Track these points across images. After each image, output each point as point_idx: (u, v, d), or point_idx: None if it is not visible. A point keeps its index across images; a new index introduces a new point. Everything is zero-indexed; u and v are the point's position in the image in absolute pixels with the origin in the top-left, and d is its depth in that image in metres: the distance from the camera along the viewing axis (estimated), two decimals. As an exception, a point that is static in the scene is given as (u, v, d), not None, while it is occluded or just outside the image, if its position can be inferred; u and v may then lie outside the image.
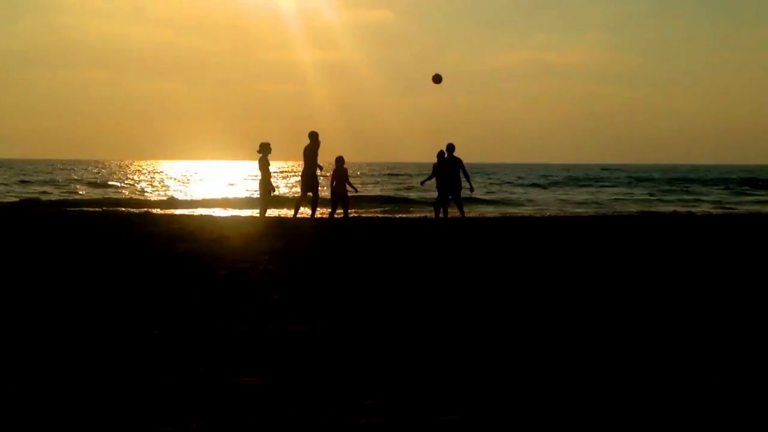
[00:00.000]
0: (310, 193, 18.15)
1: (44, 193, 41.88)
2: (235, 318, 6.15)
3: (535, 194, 49.84)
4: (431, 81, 17.31)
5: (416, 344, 5.36)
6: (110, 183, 54.83)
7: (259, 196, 17.93)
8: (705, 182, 67.32)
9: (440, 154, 18.38)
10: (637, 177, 79.47)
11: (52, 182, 53.35)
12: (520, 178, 75.08)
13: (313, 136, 17.76)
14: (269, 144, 17.25)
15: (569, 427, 3.77)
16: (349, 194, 19.05)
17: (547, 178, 75.56)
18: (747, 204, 41.72)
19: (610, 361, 4.97)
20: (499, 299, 7.19)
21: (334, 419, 3.78)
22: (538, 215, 28.54)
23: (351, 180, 18.86)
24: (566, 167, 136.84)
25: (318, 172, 17.81)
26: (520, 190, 55.49)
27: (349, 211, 19.28)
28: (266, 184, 17.45)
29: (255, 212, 21.67)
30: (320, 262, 9.98)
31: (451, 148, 18.31)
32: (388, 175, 76.44)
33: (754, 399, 4.21)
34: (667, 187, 58.50)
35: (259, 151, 17.23)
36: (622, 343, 5.49)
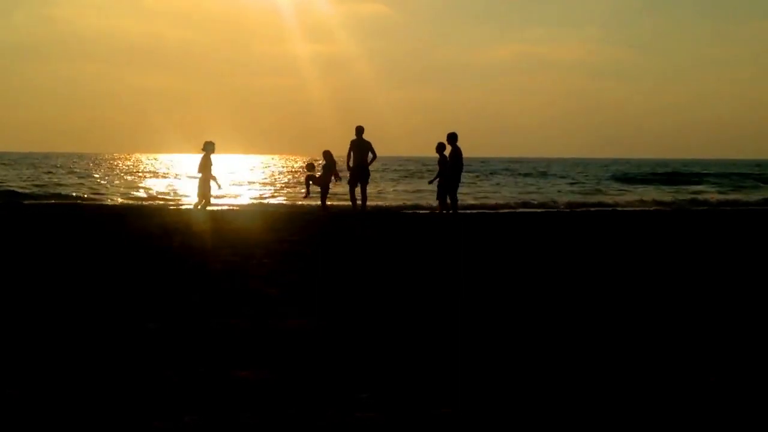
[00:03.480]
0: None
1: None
2: (231, 313, 6.12)
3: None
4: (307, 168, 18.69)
5: (413, 338, 5.35)
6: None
7: (198, 190, 18.53)
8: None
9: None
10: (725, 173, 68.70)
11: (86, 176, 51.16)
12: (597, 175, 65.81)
13: (359, 131, 17.93)
14: (213, 143, 17.89)
15: (565, 425, 3.76)
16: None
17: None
18: None
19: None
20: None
21: (334, 418, 3.76)
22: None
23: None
24: (577, 161, 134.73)
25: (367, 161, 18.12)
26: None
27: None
28: (205, 182, 18.02)
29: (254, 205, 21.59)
30: (315, 256, 9.96)
31: (439, 147, 18.22)
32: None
33: (754, 399, 4.21)
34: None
35: (203, 149, 17.74)
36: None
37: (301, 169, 79.75)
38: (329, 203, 19.75)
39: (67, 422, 3.64)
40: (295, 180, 51.82)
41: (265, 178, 56.62)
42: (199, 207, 18.54)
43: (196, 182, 18.51)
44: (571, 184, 52.54)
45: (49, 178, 48.58)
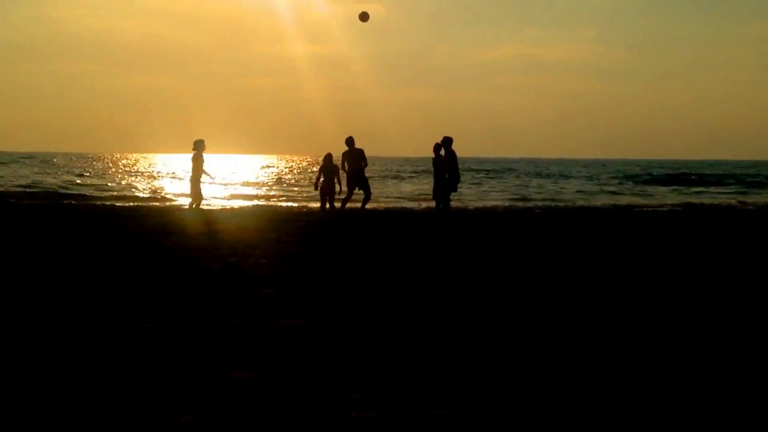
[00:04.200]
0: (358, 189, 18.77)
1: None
2: (228, 313, 6.15)
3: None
4: (361, 19, 17.76)
5: (408, 338, 5.37)
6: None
7: (190, 190, 18.73)
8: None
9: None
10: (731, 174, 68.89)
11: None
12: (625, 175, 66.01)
13: (350, 142, 18.38)
14: (203, 141, 18.13)
15: (560, 424, 3.79)
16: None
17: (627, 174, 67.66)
18: None
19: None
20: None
21: (330, 418, 3.79)
22: None
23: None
24: (578, 162, 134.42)
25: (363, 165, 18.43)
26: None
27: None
28: (196, 180, 18.24)
29: (256, 203, 21.56)
30: (310, 256, 9.98)
31: (437, 146, 18.33)
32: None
33: (749, 396, 4.25)
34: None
35: (194, 148, 18.00)
36: None
37: (302, 168, 79.66)
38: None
39: (65, 422, 3.67)
40: (295, 180, 51.83)
41: (264, 178, 56.62)
42: (194, 206, 18.67)
43: (188, 182, 18.71)
44: (587, 183, 52.56)
45: (45, 177, 48.62)
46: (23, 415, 3.75)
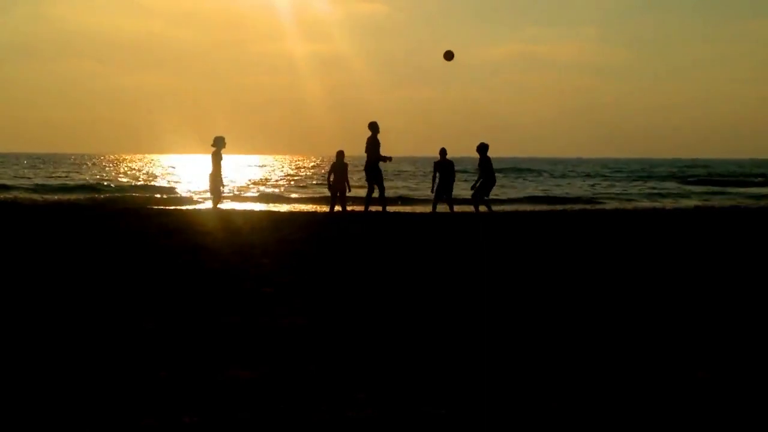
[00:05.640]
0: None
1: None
2: (230, 312, 6.16)
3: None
4: (445, 57, 17.72)
5: (406, 338, 5.38)
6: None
7: (209, 189, 18.53)
8: None
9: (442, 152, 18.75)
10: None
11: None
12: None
13: (373, 127, 17.76)
14: (224, 138, 17.89)
15: (556, 424, 3.80)
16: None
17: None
18: None
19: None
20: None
21: (327, 414, 3.80)
22: None
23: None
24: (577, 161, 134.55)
25: (381, 163, 17.88)
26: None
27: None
28: (216, 177, 18.05)
29: (254, 206, 21.64)
30: (313, 256, 9.99)
31: (443, 152, 18.67)
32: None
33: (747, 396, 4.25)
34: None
35: (213, 145, 17.76)
36: None
37: (301, 167, 79.74)
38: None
39: (65, 421, 3.68)
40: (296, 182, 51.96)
41: (266, 178, 56.70)
42: (216, 206, 18.46)
43: (208, 181, 18.44)
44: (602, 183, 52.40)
45: (47, 176, 48.73)
46: (23, 415, 3.76)
